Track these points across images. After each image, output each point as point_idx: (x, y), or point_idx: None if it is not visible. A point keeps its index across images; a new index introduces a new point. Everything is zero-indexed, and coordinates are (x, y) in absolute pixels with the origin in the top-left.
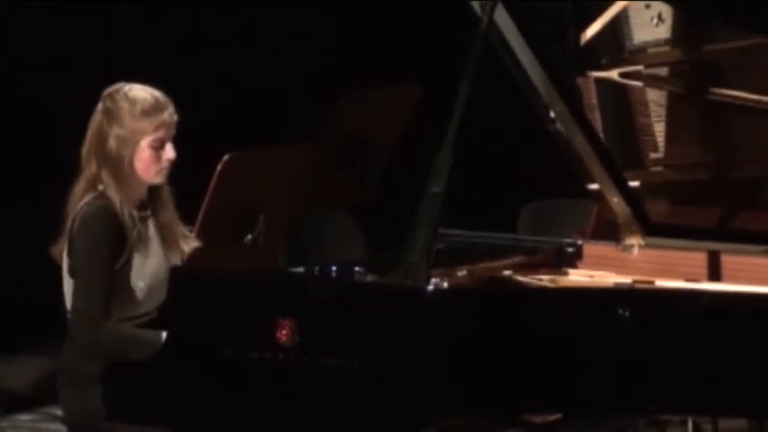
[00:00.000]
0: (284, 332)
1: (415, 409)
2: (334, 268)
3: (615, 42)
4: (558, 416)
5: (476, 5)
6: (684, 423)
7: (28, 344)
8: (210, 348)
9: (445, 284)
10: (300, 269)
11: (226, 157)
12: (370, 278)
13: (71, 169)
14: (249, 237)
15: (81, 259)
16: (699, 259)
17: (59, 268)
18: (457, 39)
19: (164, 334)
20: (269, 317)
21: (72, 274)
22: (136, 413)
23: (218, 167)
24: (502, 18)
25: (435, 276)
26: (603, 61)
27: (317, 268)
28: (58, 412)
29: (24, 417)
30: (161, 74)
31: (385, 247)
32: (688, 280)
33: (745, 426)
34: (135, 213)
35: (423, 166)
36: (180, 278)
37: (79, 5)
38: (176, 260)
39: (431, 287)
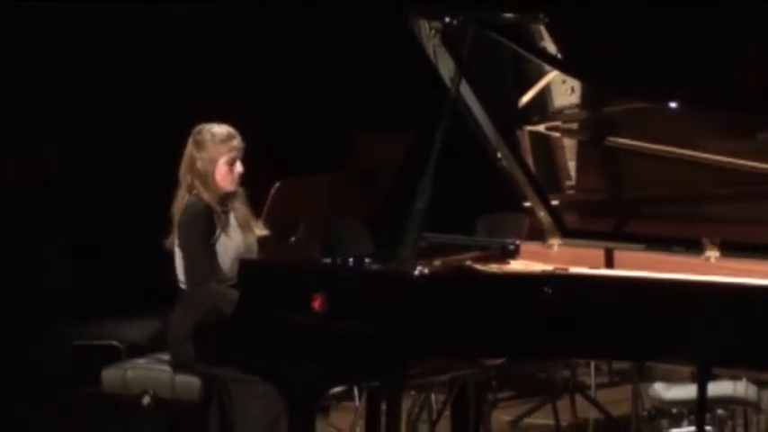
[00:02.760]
0: (318, 303)
1: (405, 353)
2: (351, 259)
3: (542, 106)
4: (503, 359)
5: (447, 80)
6: (588, 364)
7: (143, 309)
8: (266, 315)
9: (426, 271)
10: (328, 260)
11: (277, 184)
12: (375, 266)
13: (171, 183)
14: (293, 238)
15: (184, 238)
16: (598, 254)
17: (168, 255)
18: (438, 100)
19: None
20: (307, 293)
21: (181, 248)
22: (215, 358)
23: (272, 191)
24: (465, 89)
25: (420, 265)
26: (534, 119)
27: (339, 259)
28: (164, 357)
29: (140, 360)
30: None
31: (386, 246)
32: (591, 267)
33: (629, 366)
34: (218, 208)
35: (412, 189)
36: (246, 267)
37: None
38: (252, 241)
39: (417, 273)
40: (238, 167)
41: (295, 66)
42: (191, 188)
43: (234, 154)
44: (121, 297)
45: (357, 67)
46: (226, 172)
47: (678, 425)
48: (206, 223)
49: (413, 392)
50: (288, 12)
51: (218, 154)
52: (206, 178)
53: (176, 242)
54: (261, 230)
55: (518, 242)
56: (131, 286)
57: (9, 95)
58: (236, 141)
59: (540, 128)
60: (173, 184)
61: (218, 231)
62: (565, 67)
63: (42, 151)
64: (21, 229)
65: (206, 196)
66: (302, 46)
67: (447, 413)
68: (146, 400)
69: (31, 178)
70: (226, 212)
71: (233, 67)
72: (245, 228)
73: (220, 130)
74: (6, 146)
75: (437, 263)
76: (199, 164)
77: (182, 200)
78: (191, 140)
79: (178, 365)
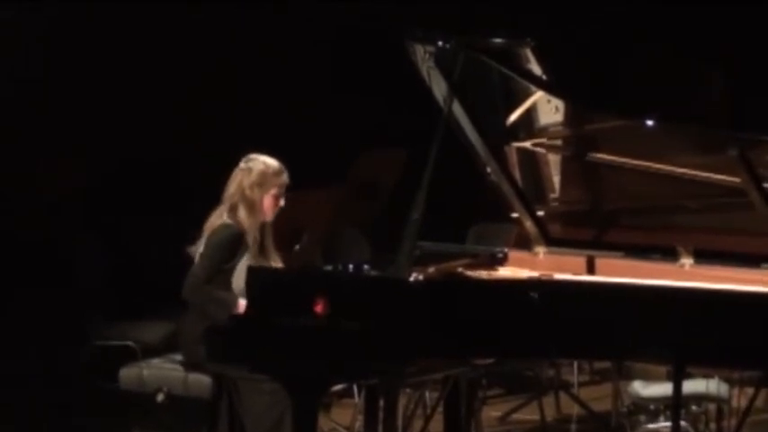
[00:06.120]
0: (320, 307)
1: (402, 353)
2: (351, 266)
3: (528, 123)
4: (492, 359)
5: (440, 100)
6: (572, 363)
7: (157, 312)
8: (273, 317)
9: (421, 277)
10: (330, 267)
11: None
12: (374, 273)
13: (188, 200)
14: (297, 246)
15: (208, 248)
16: (581, 261)
17: (184, 263)
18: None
19: (241, 301)
20: (310, 297)
21: (200, 255)
22: (224, 356)
23: None
24: (457, 108)
25: (415, 272)
26: (521, 135)
27: (340, 266)
28: (177, 357)
29: (154, 360)
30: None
31: (383, 253)
32: (574, 274)
33: (609, 365)
34: (257, 234)
35: (407, 201)
36: (253, 273)
37: None
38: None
39: (412, 278)
40: (282, 202)
41: (302, 91)
42: (234, 209)
43: (282, 189)
44: (137, 302)
45: (357, 90)
46: (271, 204)
47: (655, 420)
48: (232, 248)
49: (408, 390)
50: (300, 47)
51: (270, 185)
52: (253, 205)
53: (200, 251)
54: (277, 263)
55: (506, 250)
56: (146, 292)
57: (52, 116)
58: (285, 176)
59: (527, 144)
60: (190, 200)
61: (237, 256)
62: (549, 87)
63: (80, 166)
64: (57, 234)
65: (245, 222)
66: (309, 76)
67: (440, 409)
68: (160, 397)
69: (68, 189)
70: (255, 242)
71: (249, 94)
72: (266, 254)
73: (273, 163)
74: (50, 160)
75: (431, 269)
76: (248, 191)
77: (218, 217)
78: (243, 167)
79: (190, 365)
